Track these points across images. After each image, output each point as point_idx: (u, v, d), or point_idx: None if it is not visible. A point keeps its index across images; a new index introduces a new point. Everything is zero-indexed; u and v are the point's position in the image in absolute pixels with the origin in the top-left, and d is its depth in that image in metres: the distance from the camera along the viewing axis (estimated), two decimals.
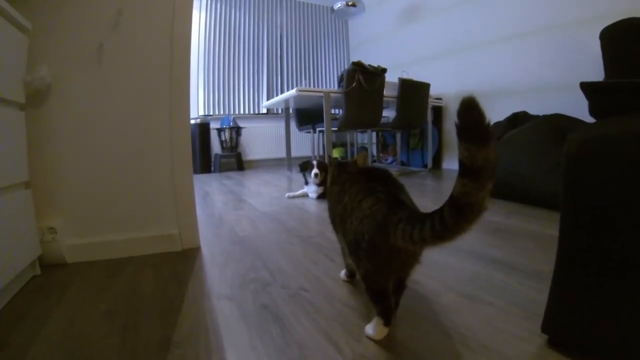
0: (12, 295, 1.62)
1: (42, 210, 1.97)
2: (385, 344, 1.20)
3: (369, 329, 1.23)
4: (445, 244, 0.94)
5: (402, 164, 6.68)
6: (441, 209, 0.93)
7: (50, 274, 1.90)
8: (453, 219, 0.90)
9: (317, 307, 1.46)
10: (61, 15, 1.98)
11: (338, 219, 1.42)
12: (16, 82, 1.73)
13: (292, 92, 4.79)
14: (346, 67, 4.73)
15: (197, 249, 2.24)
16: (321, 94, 4.81)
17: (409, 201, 1.21)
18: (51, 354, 1.19)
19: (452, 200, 0.89)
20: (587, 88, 1.25)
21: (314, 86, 8.42)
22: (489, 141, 0.82)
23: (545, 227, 2.49)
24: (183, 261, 2.06)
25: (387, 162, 7.07)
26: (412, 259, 1.21)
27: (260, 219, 2.97)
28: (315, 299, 1.53)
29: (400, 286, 1.34)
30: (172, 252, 2.20)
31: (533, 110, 4.18)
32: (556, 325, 1.13)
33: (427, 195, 3.83)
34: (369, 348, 1.17)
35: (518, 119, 4.10)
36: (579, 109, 1.57)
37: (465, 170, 0.85)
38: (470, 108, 0.81)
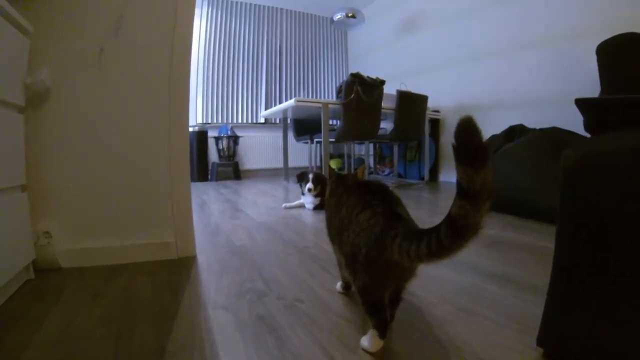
0: (5, 299, 1.62)
1: (37, 214, 1.96)
2: (380, 356, 1.19)
3: (365, 341, 1.23)
4: (441, 261, 0.95)
5: (399, 176, 6.69)
6: (438, 228, 0.93)
7: (44, 278, 1.89)
8: (450, 239, 0.90)
9: (313, 318, 1.46)
10: (63, 19, 1.99)
11: (334, 231, 1.42)
12: (16, 84, 1.74)
13: (291, 102, 4.80)
14: (345, 78, 4.74)
15: (193, 258, 2.24)
16: (319, 104, 4.82)
17: (405, 214, 1.21)
18: (45, 358, 1.18)
19: (450, 221, 0.90)
20: (582, 104, 1.25)
21: (312, 97, 8.45)
22: (486, 163, 0.82)
23: (540, 239, 2.50)
24: (179, 269, 2.05)
25: (384, 174, 7.07)
26: (409, 272, 1.21)
27: (256, 229, 2.96)
28: (311, 311, 1.53)
29: (396, 299, 1.34)
30: (167, 260, 2.19)
31: (530, 123, 4.20)
32: (552, 339, 1.13)
33: (424, 208, 3.84)
34: (364, 359, 1.17)
35: (515, 132, 4.11)
36: (575, 122, 1.58)
37: (463, 192, 0.85)
38: (467, 129, 0.81)
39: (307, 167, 6.13)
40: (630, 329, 0.95)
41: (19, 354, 1.19)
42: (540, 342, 1.16)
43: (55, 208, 2.04)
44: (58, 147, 2.03)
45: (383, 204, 1.21)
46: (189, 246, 2.28)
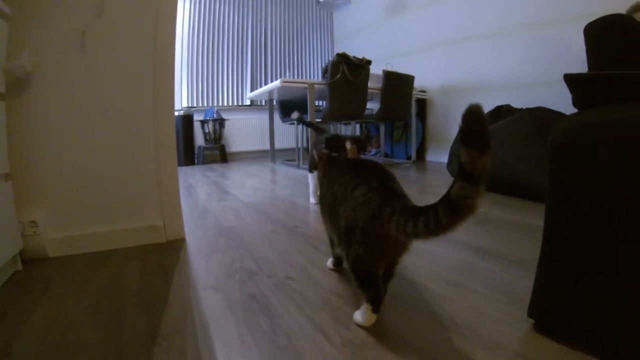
0: None
1: (23, 203, 1.92)
2: (373, 330, 1.20)
3: (358, 315, 1.23)
4: (436, 238, 0.96)
5: (386, 155, 6.69)
6: (435, 207, 0.94)
7: (32, 268, 1.86)
8: (449, 218, 0.92)
9: (304, 295, 1.46)
10: (43, 1, 1.94)
11: (327, 208, 1.41)
12: None
13: (276, 83, 4.77)
14: (331, 59, 4.72)
15: (182, 240, 2.23)
16: (305, 85, 4.79)
17: (400, 190, 1.21)
18: (36, 349, 1.17)
19: (449, 201, 0.91)
20: (571, 80, 1.25)
21: (298, 78, 8.39)
22: (489, 148, 0.85)
23: (529, 217, 2.51)
24: (168, 252, 2.04)
25: (371, 154, 7.06)
26: (403, 247, 1.21)
27: (244, 210, 2.96)
28: (302, 288, 1.53)
29: (389, 273, 1.34)
30: (156, 244, 2.18)
31: (517, 105, 4.21)
32: (542, 310, 1.15)
33: (412, 187, 3.85)
34: (358, 335, 1.17)
35: (502, 112, 4.13)
36: (562, 103, 1.58)
37: (466, 173, 0.87)
38: (477, 115, 0.83)
39: (294, 149, 6.11)
40: (618, 300, 0.96)
41: (8, 347, 1.18)
42: (530, 313, 1.17)
43: (41, 196, 2.01)
44: (42, 133, 1.98)
45: (378, 180, 1.21)
46: (178, 229, 2.27)
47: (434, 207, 0.95)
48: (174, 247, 2.12)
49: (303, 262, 1.82)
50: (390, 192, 1.15)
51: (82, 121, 2.05)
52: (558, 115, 3.40)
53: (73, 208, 2.06)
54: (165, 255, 1.99)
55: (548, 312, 1.13)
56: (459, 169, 0.88)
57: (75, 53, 2.00)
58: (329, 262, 1.72)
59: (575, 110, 1.22)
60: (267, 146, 6.96)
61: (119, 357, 1.10)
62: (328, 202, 1.39)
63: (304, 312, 1.33)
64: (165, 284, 1.63)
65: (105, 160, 2.10)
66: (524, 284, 1.39)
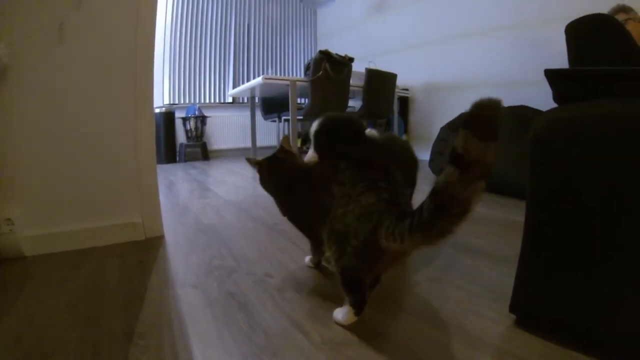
0: None
1: None
2: (354, 327, 1.20)
3: (338, 314, 1.22)
4: (427, 244, 0.91)
5: None
6: (421, 204, 0.89)
7: (7, 268, 1.83)
8: (430, 213, 0.86)
9: (283, 293, 1.46)
10: None
11: (316, 208, 1.30)
12: None
13: (258, 80, 4.75)
14: (313, 56, 4.71)
15: (161, 238, 2.21)
16: (287, 82, 4.78)
17: (404, 199, 1.16)
18: (9, 351, 1.15)
19: (433, 192, 0.86)
20: (551, 75, 1.26)
21: (280, 75, 8.38)
22: (493, 139, 0.80)
23: (510, 213, 2.53)
24: (147, 250, 2.03)
25: None
26: (402, 257, 1.20)
27: (225, 207, 2.94)
28: (281, 285, 1.53)
29: (376, 280, 1.33)
30: (135, 241, 2.16)
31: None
32: (524, 305, 1.15)
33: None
34: (338, 333, 1.17)
35: None
36: (545, 103, 1.59)
37: (456, 158, 0.81)
38: (491, 103, 0.79)
39: (276, 146, 6.10)
40: (599, 295, 0.97)
41: None
42: (512, 309, 1.18)
43: (17, 193, 1.97)
44: (18, 128, 1.95)
45: (389, 188, 1.13)
46: (157, 226, 2.25)
47: (421, 204, 0.90)
48: (153, 245, 2.10)
49: (282, 259, 1.82)
50: (396, 205, 1.08)
51: (59, 116, 2.01)
52: (540, 113, 3.43)
53: (50, 205, 2.03)
54: (144, 253, 1.98)
55: (529, 308, 1.14)
56: (449, 154, 0.83)
57: (52, 45, 1.97)
58: (307, 259, 1.72)
59: (555, 106, 1.22)
60: (249, 144, 6.93)
61: (95, 357, 1.09)
62: (323, 204, 1.27)
63: (283, 310, 1.33)
64: (144, 281, 1.61)
65: (83, 156, 2.07)
66: (507, 280, 1.38)
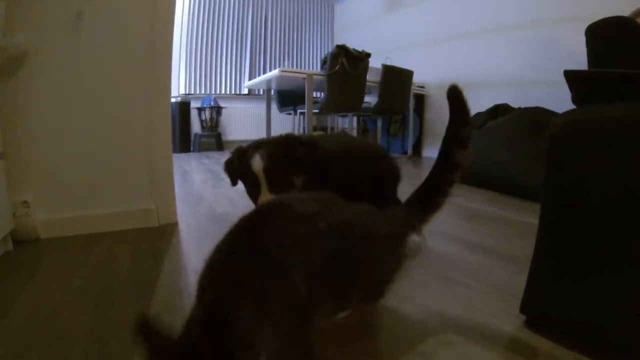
0: None
1: (15, 184, 1.90)
2: (362, 321, 1.20)
3: None
4: None
5: None
6: None
7: (22, 249, 1.85)
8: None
9: None
10: None
11: None
12: None
13: (275, 72, 4.75)
14: (330, 50, 4.70)
15: (175, 225, 2.23)
16: (304, 75, 4.77)
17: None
18: (20, 331, 1.16)
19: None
20: (571, 76, 1.25)
21: (297, 68, 8.37)
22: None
23: (521, 215, 2.51)
24: (159, 236, 2.04)
25: None
26: None
27: (238, 197, 2.93)
28: None
29: None
30: (148, 228, 2.17)
31: (515, 104, 4.20)
32: (535, 306, 1.14)
33: (406, 182, 3.84)
34: (347, 323, 1.17)
35: (499, 111, 4.12)
36: (560, 104, 1.57)
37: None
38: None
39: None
40: (610, 298, 0.96)
41: None
42: (523, 309, 1.16)
43: (34, 177, 2.00)
44: (35, 115, 1.97)
45: None
46: (170, 213, 2.27)
47: None
48: (166, 232, 2.11)
49: None
50: None
51: (76, 104, 2.04)
52: (555, 115, 3.40)
53: (66, 190, 2.05)
54: (157, 239, 1.99)
55: (540, 309, 1.13)
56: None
57: (71, 34, 1.99)
58: None
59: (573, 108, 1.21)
60: (263, 135, 6.94)
61: (105, 341, 1.10)
62: None
63: None
64: (156, 267, 1.62)
65: (99, 144, 2.10)
66: (518, 279, 1.38)
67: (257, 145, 1.46)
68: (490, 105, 4.28)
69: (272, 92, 6.55)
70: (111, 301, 1.34)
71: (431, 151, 6.21)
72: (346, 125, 6.90)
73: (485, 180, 3.38)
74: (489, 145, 3.44)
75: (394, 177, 1.84)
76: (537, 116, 3.43)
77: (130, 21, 2.11)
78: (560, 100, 1.35)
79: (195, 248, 1.87)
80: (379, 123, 6.30)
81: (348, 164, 1.61)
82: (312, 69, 8.63)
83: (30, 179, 1.98)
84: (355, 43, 5.22)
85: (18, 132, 1.93)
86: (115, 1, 2.07)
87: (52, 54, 1.98)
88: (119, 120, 2.13)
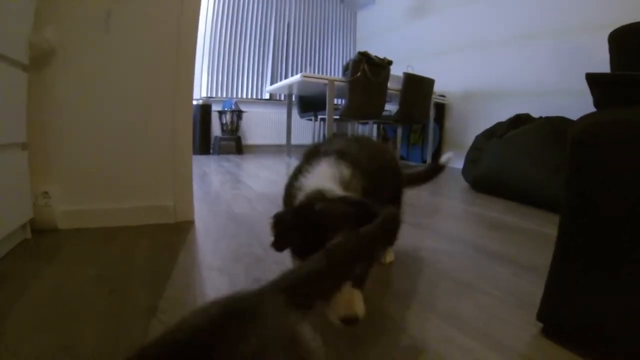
0: (0, 256, 1.61)
1: (37, 174, 1.94)
2: (381, 324, 1.20)
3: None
4: None
5: (402, 158, 6.68)
6: None
7: (40, 238, 1.88)
8: None
9: None
10: None
11: None
12: (20, 42, 1.72)
13: (297, 77, 4.77)
14: (352, 57, 4.71)
15: (191, 223, 2.24)
16: (325, 81, 4.79)
17: None
18: (34, 315, 1.18)
19: None
20: (593, 80, 1.23)
21: (313, 73, 8.40)
22: None
23: (541, 225, 2.49)
24: (176, 233, 2.06)
25: None
26: None
27: (257, 199, 2.96)
28: None
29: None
30: (165, 224, 2.19)
31: (536, 113, 4.17)
32: (552, 314, 1.13)
33: (424, 189, 3.83)
34: (364, 327, 1.16)
35: (520, 120, 4.09)
36: (581, 114, 1.55)
37: None
38: None
39: (311, 144, 6.11)
40: (633, 305, 0.94)
41: (7, 310, 1.19)
42: (540, 317, 1.15)
43: (56, 169, 2.03)
44: (61, 108, 2.01)
45: None
46: (188, 211, 2.28)
47: None
48: (183, 228, 2.13)
49: None
50: None
51: (101, 99, 2.07)
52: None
53: (86, 182, 2.08)
54: (173, 235, 2.01)
55: (557, 317, 1.12)
56: None
57: (99, 32, 2.03)
58: None
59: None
60: (283, 140, 6.96)
61: (117, 326, 1.11)
62: None
63: None
64: (171, 262, 1.64)
65: (122, 139, 2.12)
66: (535, 289, 1.36)
67: (332, 217, 0.99)
68: (512, 114, 4.26)
69: (294, 98, 6.58)
70: (125, 290, 1.36)
71: (451, 161, 6.11)
72: (366, 133, 6.90)
73: (505, 189, 3.36)
74: (509, 155, 3.42)
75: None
76: (558, 125, 3.40)
77: (156, 23, 2.14)
78: (583, 110, 1.33)
79: (210, 245, 1.87)
80: (399, 131, 6.29)
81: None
82: (334, 75, 8.64)
83: (52, 170, 2.02)
84: (377, 50, 5.23)
85: (43, 124, 1.97)
86: (143, 3, 2.10)
87: (80, 50, 2.01)
88: (142, 117, 2.16)
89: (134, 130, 2.14)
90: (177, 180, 2.24)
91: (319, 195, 1.09)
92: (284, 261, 1.64)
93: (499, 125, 4.16)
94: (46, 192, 1.96)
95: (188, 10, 2.19)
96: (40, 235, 1.90)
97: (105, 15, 2.02)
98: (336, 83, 4.80)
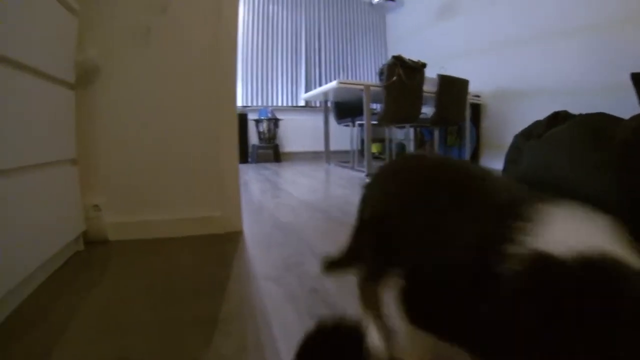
0: (56, 267, 1.67)
1: (87, 188, 2.02)
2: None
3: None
4: None
5: None
6: None
7: (92, 249, 1.95)
8: None
9: None
10: None
11: None
12: (66, 62, 1.80)
13: (333, 84, 4.80)
14: (384, 61, 4.71)
15: (240, 233, 2.26)
16: (361, 87, 4.80)
17: None
18: (92, 325, 1.21)
19: None
20: (638, 79, 1.23)
21: (351, 79, 8.40)
22: None
23: None
24: (225, 243, 2.08)
25: None
26: None
27: (300, 207, 2.98)
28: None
29: None
30: (214, 235, 2.22)
31: (575, 110, 4.10)
32: None
33: None
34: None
35: (559, 118, 4.02)
36: (622, 110, 1.51)
37: None
38: None
39: (349, 151, 6.09)
40: None
41: (67, 320, 1.23)
42: None
43: (104, 182, 2.10)
44: (107, 123, 2.09)
45: None
46: (236, 221, 2.31)
47: None
48: (232, 239, 2.15)
49: None
50: None
51: (145, 112, 2.14)
52: (619, 121, 3.30)
53: (134, 195, 2.15)
54: (223, 246, 2.04)
55: None
56: None
57: (140, 48, 2.10)
58: None
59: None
60: (320, 147, 6.99)
61: (178, 338, 1.14)
62: None
63: None
64: (224, 272, 1.66)
65: (167, 152, 2.18)
66: None
67: None
68: (549, 112, 4.20)
69: (329, 104, 6.60)
70: (180, 301, 1.39)
71: (489, 161, 6.09)
72: (402, 137, 6.88)
73: (546, 189, 3.32)
74: (549, 154, 3.36)
75: None
76: (597, 122, 3.33)
77: (195, 35, 2.20)
78: (625, 107, 1.30)
79: (261, 255, 1.89)
80: (436, 134, 6.25)
81: None
82: (367, 79, 8.63)
83: (101, 184, 2.09)
84: (408, 53, 5.21)
85: (91, 140, 2.05)
86: (181, 16, 2.16)
87: (122, 66, 2.09)
88: (186, 129, 2.21)
89: (178, 142, 2.20)
90: (224, 191, 2.28)
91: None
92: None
93: (537, 123, 4.10)
94: (97, 205, 2.03)
95: (226, 20, 2.24)
96: (92, 247, 1.98)
97: (145, 31, 2.09)
98: (372, 88, 4.82)
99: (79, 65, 1.90)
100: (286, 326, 1.20)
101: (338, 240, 2.04)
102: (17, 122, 1.36)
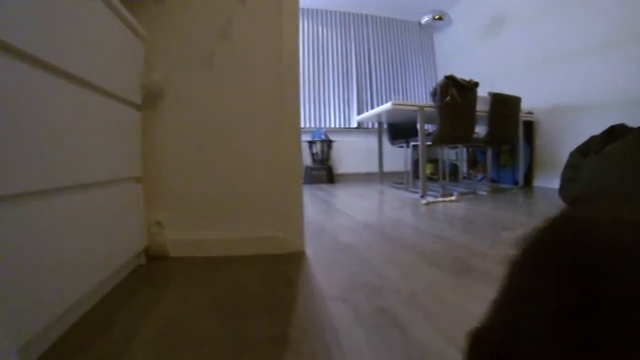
0: (120, 280, 1.77)
1: (150, 205, 2.12)
2: None
3: None
4: None
5: (492, 181, 6.55)
6: None
7: (153, 264, 2.05)
8: None
9: (433, 311, 1.45)
10: (175, 23, 2.17)
11: None
12: (134, 84, 1.93)
13: (387, 105, 4.83)
14: (434, 82, 4.73)
15: (302, 253, 2.29)
16: (415, 108, 4.82)
17: None
18: (162, 336, 1.26)
19: None
20: None
21: (403, 100, 8.42)
22: None
23: None
24: (288, 263, 2.11)
25: (477, 179, 6.95)
26: None
27: (359, 228, 3.00)
28: (430, 304, 1.52)
29: None
30: (276, 255, 2.25)
31: (633, 124, 3.99)
32: None
33: (520, 212, 3.76)
34: None
35: (615, 132, 3.93)
36: None
37: None
38: None
39: (403, 172, 6.09)
40: None
41: (136, 331, 1.29)
42: None
43: (167, 199, 2.20)
44: (171, 143, 2.19)
45: None
46: (298, 242, 2.34)
47: None
48: (294, 259, 2.18)
49: (426, 279, 1.82)
50: None
51: (208, 133, 2.23)
52: None
53: (197, 213, 2.23)
54: (285, 266, 2.06)
55: None
56: None
57: (203, 71, 2.21)
58: None
59: None
60: (374, 168, 7.02)
61: (241, 356, 1.15)
62: None
63: (435, 327, 1.32)
64: (289, 291, 1.68)
65: (230, 171, 2.26)
66: None
67: None
68: (604, 127, 4.10)
69: (384, 125, 6.62)
70: (246, 319, 1.40)
71: (544, 181, 5.99)
72: (455, 157, 6.85)
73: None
74: (609, 171, 3.29)
75: None
76: None
77: (258, 58, 2.27)
78: None
79: (325, 275, 1.90)
80: (489, 153, 6.17)
81: None
82: (417, 100, 8.65)
83: (164, 201, 2.19)
84: (456, 71, 5.19)
85: (155, 159, 2.16)
86: (245, 40, 2.25)
87: (187, 88, 2.20)
88: (248, 149, 2.27)
89: (241, 161, 2.27)
90: (287, 211, 2.32)
91: None
92: (402, 290, 1.67)
93: (592, 139, 4.01)
94: (159, 222, 2.13)
95: (288, 44, 2.30)
96: (153, 262, 2.07)
97: (209, 55, 2.19)
98: (425, 109, 4.83)
99: (145, 87, 2.04)
100: (356, 348, 1.20)
101: (399, 261, 2.06)
102: (93, 140, 1.46)
